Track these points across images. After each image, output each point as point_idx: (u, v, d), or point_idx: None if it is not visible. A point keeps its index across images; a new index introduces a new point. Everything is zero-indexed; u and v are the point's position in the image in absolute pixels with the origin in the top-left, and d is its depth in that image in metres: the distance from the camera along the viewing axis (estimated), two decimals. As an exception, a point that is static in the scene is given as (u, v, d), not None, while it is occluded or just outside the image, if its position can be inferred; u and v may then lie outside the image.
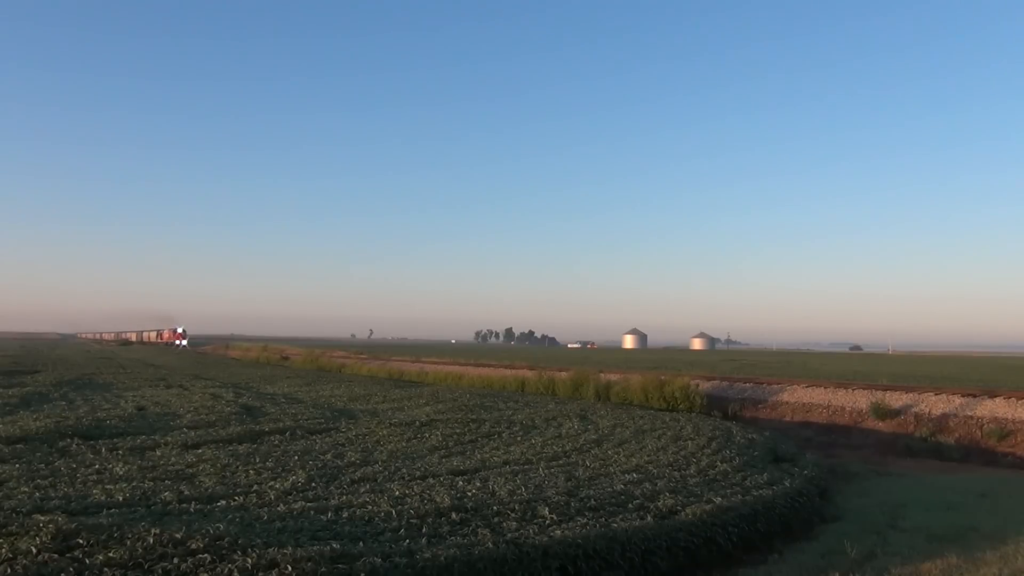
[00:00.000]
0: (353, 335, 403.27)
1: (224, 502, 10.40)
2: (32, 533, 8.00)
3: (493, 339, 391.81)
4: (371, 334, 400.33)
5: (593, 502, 10.87)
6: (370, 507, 10.18)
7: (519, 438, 18.54)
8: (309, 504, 10.30)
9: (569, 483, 12.36)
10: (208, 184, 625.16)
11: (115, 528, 8.20)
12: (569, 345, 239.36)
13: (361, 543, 8.18)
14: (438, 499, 10.59)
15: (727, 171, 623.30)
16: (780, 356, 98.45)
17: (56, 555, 7.37)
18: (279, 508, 10.01)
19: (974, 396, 25.58)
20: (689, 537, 9.92)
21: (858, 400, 27.43)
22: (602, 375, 37.07)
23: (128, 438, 16.95)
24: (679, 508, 10.78)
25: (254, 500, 10.63)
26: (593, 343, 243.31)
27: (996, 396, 25.24)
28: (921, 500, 14.06)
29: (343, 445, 16.73)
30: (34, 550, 7.46)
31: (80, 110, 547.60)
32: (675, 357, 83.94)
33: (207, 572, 7.13)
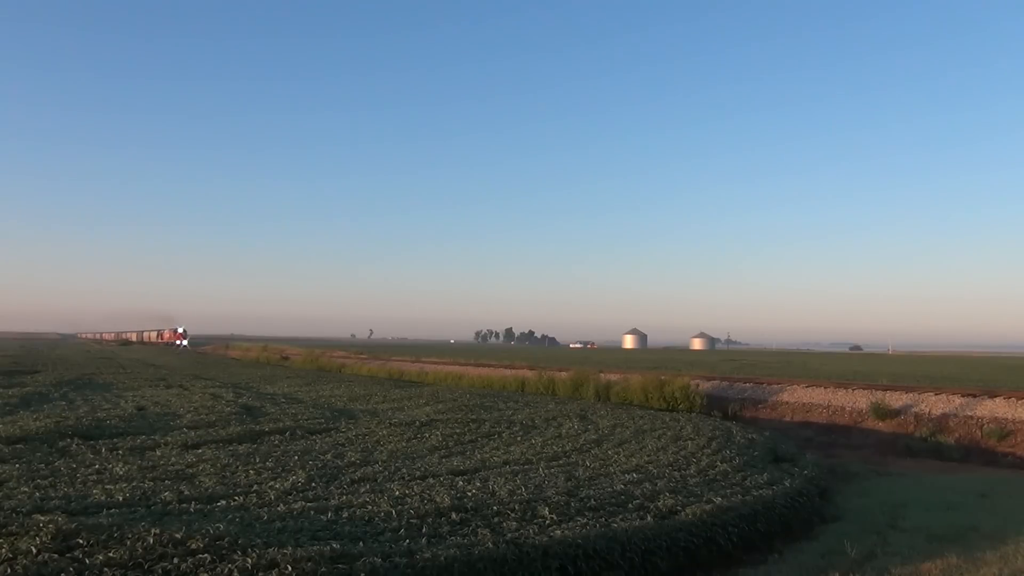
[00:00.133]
0: (353, 335, 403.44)
1: (224, 502, 10.40)
2: (32, 533, 8.00)
3: (493, 339, 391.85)
4: (371, 334, 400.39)
5: (593, 502, 10.87)
6: (370, 507, 10.18)
7: (519, 438, 18.54)
8: (309, 504, 10.30)
9: (569, 483, 12.36)
10: (208, 184, 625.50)
11: (115, 528, 8.20)
12: (571, 345, 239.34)
13: (361, 543, 8.19)
14: (438, 499, 10.59)
15: (727, 171, 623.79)
16: (780, 356, 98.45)
17: (56, 555, 7.37)
18: (279, 508, 10.01)
19: (974, 396, 25.58)
20: (689, 537, 9.92)
21: (858, 400, 27.43)
22: (602, 375, 37.07)
23: (128, 438, 16.95)
24: (679, 508, 10.78)
25: (254, 500, 10.63)
26: (593, 343, 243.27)
27: (996, 396, 25.24)
28: (921, 500, 14.06)
29: (343, 445, 16.73)
30: (34, 550, 7.46)
31: (80, 110, 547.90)
32: (675, 357, 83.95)
33: (207, 572, 7.13)
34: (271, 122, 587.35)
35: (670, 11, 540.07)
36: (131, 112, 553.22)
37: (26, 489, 10.96)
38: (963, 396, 25.72)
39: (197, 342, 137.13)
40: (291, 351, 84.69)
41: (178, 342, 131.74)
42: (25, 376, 40.24)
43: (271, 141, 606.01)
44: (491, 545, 8.40)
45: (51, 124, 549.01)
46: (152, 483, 11.79)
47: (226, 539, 7.91)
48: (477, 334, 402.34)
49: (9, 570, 6.98)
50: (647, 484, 12.51)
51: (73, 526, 8.17)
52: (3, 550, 7.52)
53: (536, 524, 9.55)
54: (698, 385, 32.61)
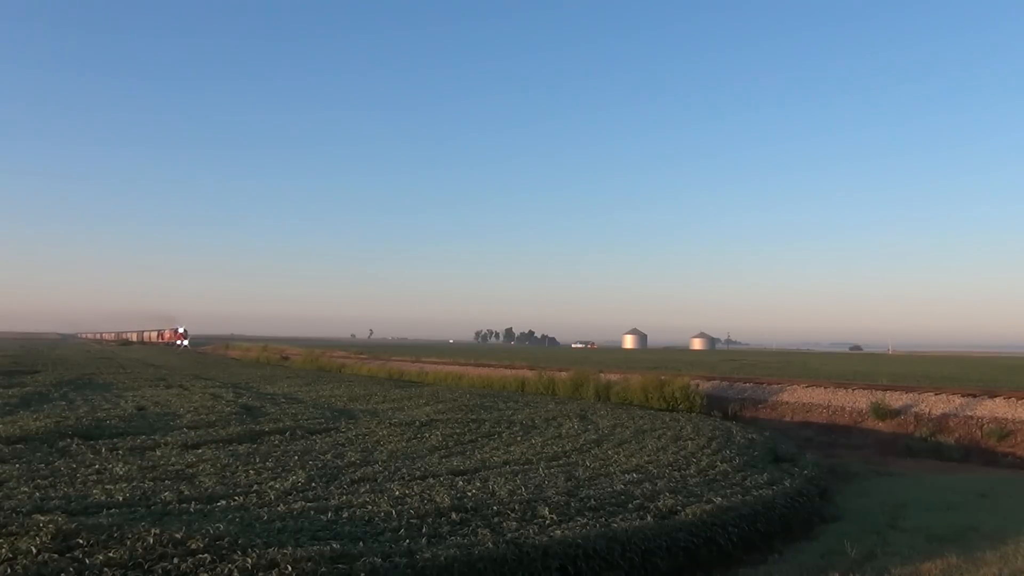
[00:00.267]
0: (353, 335, 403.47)
1: (224, 502, 10.40)
2: (32, 533, 8.00)
3: (493, 339, 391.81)
4: (371, 334, 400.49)
5: (593, 502, 10.86)
6: (370, 507, 10.18)
7: (519, 438, 18.54)
8: (309, 504, 10.30)
9: (569, 483, 12.36)
10: (208, 184, 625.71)
11: (115, 528, 8.20)
12: (573, 345, 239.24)
13: (361, 543, 8.18)
14: (438, 499, 10.59)
15: (727, 171, 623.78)
16: (780, 356, 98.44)
17: (56, 555, 7.37)
18: (279, 508, 10.01)
19: (974, 396, 25.58)
20: (689, 537, 9.92)
21: (858, 400, 27.43)
22: (602, 375, 37.07)
23: (128, 438, 16.95)
24: (679, 508, 10.78)
25: (254, 500, 10.63)
26: (593, 343, 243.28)
27: (996, 396, 25.24)
28: (921, 500, 14.06)
29: (343, 445, 16.72)
30: (34, 550, 7.46)
31: (80, 110, 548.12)
32: (675, 357, 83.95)
33: (207, 572, 7.13)
34: (271, 122, 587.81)
35: (669, 11, 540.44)
36: (131, 112, 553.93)
37: (26, 489, 10.96)
38: (963, 396, 25.72)
39: (197, 342, 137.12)
40: (291, 351, 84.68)
41: (179, 342, 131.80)
42: (25, 376, 40.25)
43: (271, 141, 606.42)
44: (491, 545, 8.40)
45: (51, 124, 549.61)
46: (152, 483, 11.79)
47: (226, 539, 7.91)
48: (477, 334, 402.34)
49: (9, 570, 6.98)
50: (647, 484, 12.51)
51: (73, 526, 8.17)
52: (3, 550, 7.52)
53: (536, 524, 9.55)
54: (698, 385, 32.61)
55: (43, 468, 12.98)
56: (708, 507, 10.87)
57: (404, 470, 13.48)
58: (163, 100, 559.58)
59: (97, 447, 15.62)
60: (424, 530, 9.01)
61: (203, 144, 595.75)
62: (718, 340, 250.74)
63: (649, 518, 10.14)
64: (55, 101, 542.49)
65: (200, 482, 12.04)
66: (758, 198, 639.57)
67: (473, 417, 22.42)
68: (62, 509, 9.40)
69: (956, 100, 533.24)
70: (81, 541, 7.79)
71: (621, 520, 9.94)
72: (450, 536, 8.84)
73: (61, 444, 15.86)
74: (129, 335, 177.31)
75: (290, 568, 7.17)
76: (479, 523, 9.45)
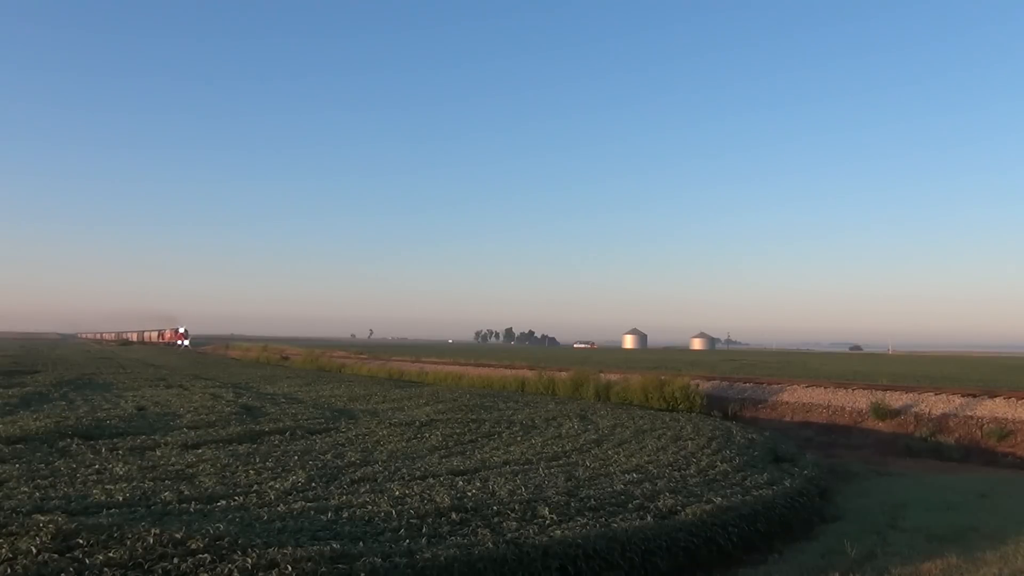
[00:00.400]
0: (353, 335, 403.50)
1: (224, 502, 10.40)
2: (32, 533, 8.00)
3: (493, 339, 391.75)
4: (371, 334, 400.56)
5: (593, 502, 10.86)
6: (370, 507, 10.17)
7: (519, 438, 18.53)
8: (309, 504, 10.29)
9: (569, 483, 12.35)
10: (208, 184, 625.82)
11: (115, 528, 8.20)
12: (575, 345, 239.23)
13: (361, 543, 8.18)
14: (438, 499, 10.58)
15: (727, 171, 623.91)
16: (780, 356, 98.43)
17: (56, 555, 7.37)
18: (279, 508, 10.00)
19: (974, 396, 25.57)
20: (689, 537, 9.92)
21: (858, 400, 27.43)
22: (602, 375, 37.06)
23: (128, 438, 16.95)
24: (679, 508, 10.78)
25: (254, 500, 10.62)
26: (593, 343, 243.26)
27: (996, 396, 25.23)
28: (921, 500, 14.05)
29: (343, 445, 16.72)
30: (34, 550, 7.46)
31: (80, 110, 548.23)
32: (675, 357, 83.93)
33: (207, 572, 7.13)
34: (271, 122, 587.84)
35: (670, 11, 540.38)
36: (131, 112, 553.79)
37: (26, 489, 10.96)
38: (963, 396, 25.72)
39: (197, 342, 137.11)
40: (291, 351, 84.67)
41: (179, 342, 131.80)
42: (25, 376, 40.23)
43: (271, 141, 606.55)
44: (491, 545, 8.39)
45: (51, 124, 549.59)
46: (152, 483, 11.78)
47: (226, 539, 7.91)
48: (477, 334, 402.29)
49: (9, 570, 6.97)
50: (647, 484, 12.51)
51: (73, 526, 8.17)
52: (3, 550, 7.52)
53: (536, 524, 9.55)
54: (698, 385, 32.60)
55: (43, 468, 12.98)
56: (708, 507, 10.87)
57: (404, 470, 13.48)
58: (163, 100, 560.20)
59: (97, 447, 15.61)
60: (424, 530, 9.00)
61: (203, 144, 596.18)
62: (718, 340, 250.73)
63: (649, 518, 10.14)
64: (55, 101, 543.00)
65: (200, 482, 12.04)
66: (758, 198, 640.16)
67: (473, 417, 22.42)
68: (62, 509, 9.39)
69: (956, 100, 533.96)
70: (81, 541, 7.79)
71: (621, 520, 9.94)
72: (450, 536, 8.83)
73: (61, 444, 15.86)
74: (129, 335, 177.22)
75: (290, 568, 7.16)
76: (479, 523, 9.44)
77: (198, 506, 10.05)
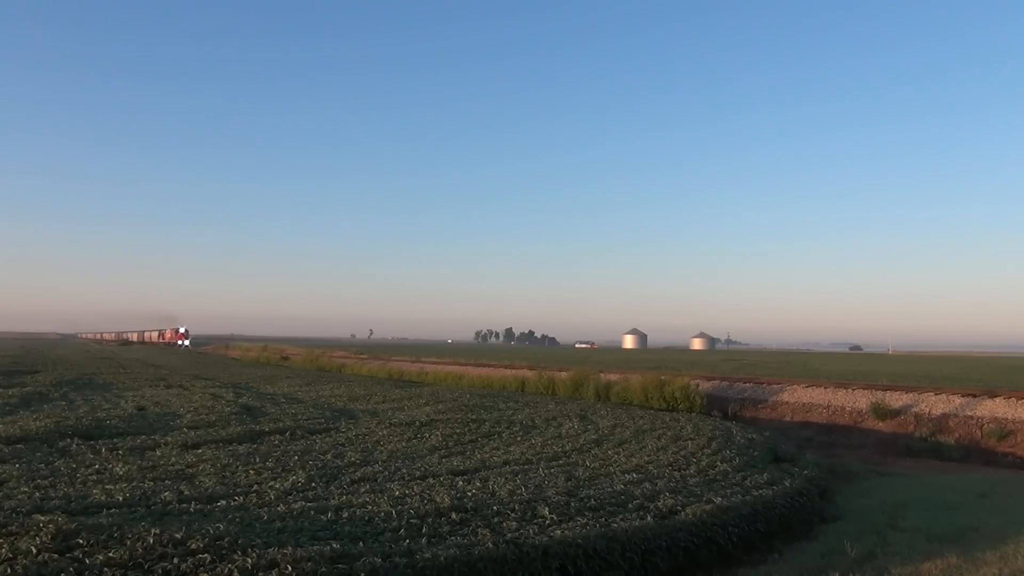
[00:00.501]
0: (353, 335, 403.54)
1: (224, 502, 10.40)
2: (32, 533, 8.00)
3: (493, 339, 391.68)
4: (371, 334, 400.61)
5: (593, 502, 10.86)
6: (370, 507, 10.17)
7: (519, 438, 18.53)
8: (309, 504, 10.29)
9: (569, 483, 12.35)
10: (208, 184, 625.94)
11: (115, 528, 8.20)
12: (577, 345, 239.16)
13: (361, 543, 8.18)
14: (438, 499, 10.58)
15: (727, 171, 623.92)
16: (780, 356, 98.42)
17: (56, 555, 7.37)
18: (279, 508, 10.00)
19: (974, 396, 25.57)
20: (689, 537, 9.91)
21: (858, 400, 27.42)
22: (602, 375, 37.05)
23: (128, 438, 16.95)
24: (679, 508, 10.78)
25: (254, 500, 10.62)
26: (593, 343, 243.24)
27: (996, 396, 25.23)
28: (921, 500, 14.05)
29: (343, 445, 16.72)
30: (34, 550, 7.46)
31: (80, 110, 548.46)
32: (675, 357, 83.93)
33: (207, 572, 7.13)
34: (271, 122, 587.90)
35: (670, 11, 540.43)
36: (131, 112, 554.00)
37: (26, 489, 10.96)
38: (963, 396, 25.71)
39: (197, 342, 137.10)
40: (291, 351, 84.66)
41: (180, 342, 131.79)
42: (25, 376, 40.23)
43: (271, 141, 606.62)
44: (491, 545, 8.39)
45: (51, 124, 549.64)
46: (152, 483, 11.78)
47: (226, 539, 7.91)
48: (477, 334, 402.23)
49: (9, 570, 6.97)
50: (647, 484, 12.50)
51: (73, 526, 8.17)
52: (3, 550, 7.52)
53: (536, 524, 9.55)
54: (698, 385, 32.60)
55: (43, 468, 12.98)
56: (708, 507, 10.86)
57: (404, 470, 13.48)
58: (163, 100, 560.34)
59: (97, 447, 15.61)
60: (424, 530, 9.00)
61: (203, 144, 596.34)
62: (718, 340, 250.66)
63: (649, 518, 10.14)
64: (55, 101, 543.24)
65: (200, 482, 12.03)
66: (758, 198, 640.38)
67: (473, 417, 22.41)
68: (62, 509, 9.39)
69: (956, 100, 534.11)
70: (81, 541, 7.79)
71: (621, 520, 9.94)
72: (450, 536, 8.83)
73: (61, 444, 15.86)
74: (129, 335, 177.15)
75: (290, 568, 7.16)
76: (479, 523, 9.44)
77: (198, 506, 10.05)
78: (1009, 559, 9.25)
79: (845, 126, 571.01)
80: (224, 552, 7.56)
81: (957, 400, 25.31)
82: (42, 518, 8.53)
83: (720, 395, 31.99)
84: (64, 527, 8.10)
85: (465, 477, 12.88)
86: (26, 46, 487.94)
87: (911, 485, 16.16)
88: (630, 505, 10.84)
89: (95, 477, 12.28)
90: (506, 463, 14.66)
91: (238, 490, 11.35)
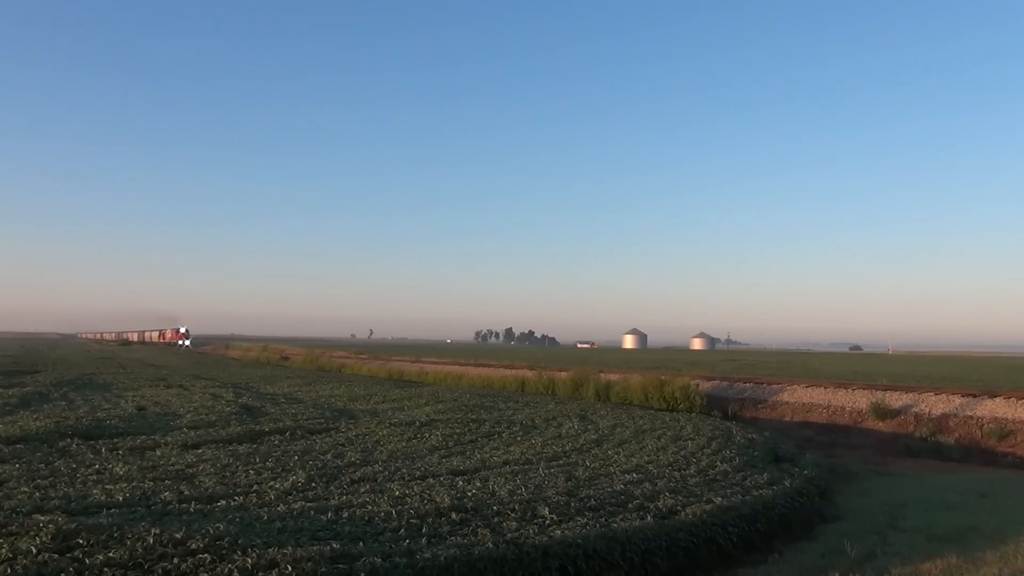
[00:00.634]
0: (353, 335, 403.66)
1: (224, 502, 10.40)
2: (32, 533, 8.00)
3: (493, 339, 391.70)
4: (371, 334, 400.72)
5: (593, 502, 10.86)
6: (370, 507, 10.17)
7: (519, 438, 18.53)
8: (309, 504, 10.29)
9: (569, 483, 12.35)
10: (208, 184, 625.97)
11: (115, 528, 8.20)
12: (579, 345, 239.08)
13: (361, 543, 8.18)
14: (438, 499, 10.58)
15: (727, 171, 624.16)
16: (780, 356, 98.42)
17: (56, 555, 7.37)
18: (279, 508, 10.00)
19: (974, 396, 25.57)
20: (689, 537, 9.91)
21: (858, 400, 27.42)
22: (602, 375, 37.06)
23: (128, 438, 16.95)
24: (679, 508, 10.78)
25: (254, 500, 10.62)
26: (593, 343, 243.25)
27: (996, 396, 25.23)
28: (921, 500, 14.05)
29: (343, 445, 16.72)
30: (34, 550, 7.46)
31: (80, 109, 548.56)
32: (675, 357, 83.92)
33: (207, 572, 7.13)
34: (271, 122, 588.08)
35: (670, 11, 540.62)
36: (131, 112, 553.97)
37: (26, 489, 10.96)
38: (963, 396, 25.71)
39: (197, 342, 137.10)
40: (291, 351, 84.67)
41: (180, 342, 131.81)
42: (25, 376, 40.23)
43: (271, 141, 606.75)
44: (491, 545, 8.39)
45: (51, 123, 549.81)
46: (152, 483, 11.78)
47: (226, 539, 7.91)
48: (477, 334, 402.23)
49: (9, 570, 6.97)
50: (647, 484, 12.50)
51: (73, 526, 8.17)
52: (3, 550, 7.52)
53: (536, 524, 9.55)
54: (698, 385, 32.60)
55: (43, 468, 12.98)
56: (708, 507, 10.86)
57: (404, 470, 13.48)
58: (163, 100, 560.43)
59: (97, 447, 15.61)
60: (424, 530, 9.00)
61: (203, 144, 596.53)
62: (718, 340, 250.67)
63: (649, 518, 10.14)
64: (55, 100, 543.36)
65: (200, 482, 12.03)
66: (758, 198, 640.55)
67: (473, 417, 22.41)
68: (62, 509, 9.39)
69: (956, 100, 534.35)
70: (81, 541, 7.79)
71: (621, 520, 9.94)
72: (450, 536, 8.83)
73: (61, 444, 15.86)
74: (130, 335, 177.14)
75: (290, 568, 7.16)
76: (479, 523, 9.44)
77: (198, 506, 10.05)
78: (1009, 559, 9.25)
79: (845, 126, 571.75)
80: (224, 552, 7.56)
81: (957, 400, 25.31)
82: (42, 518, 8.53)
83: (720, 395, 31.99)
84: (64, 527, 8.10)
85: (465, 477, 12.88)
86: (26, 46, 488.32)
87: (911, 485, 16.16)
88: (630, 505, 10.84)
89: (95, 477, 12.29)
90: (506, 463, 14.66)
91: (238, 490, 11.35)
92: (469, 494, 11.15)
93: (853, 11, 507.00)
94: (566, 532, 9.15)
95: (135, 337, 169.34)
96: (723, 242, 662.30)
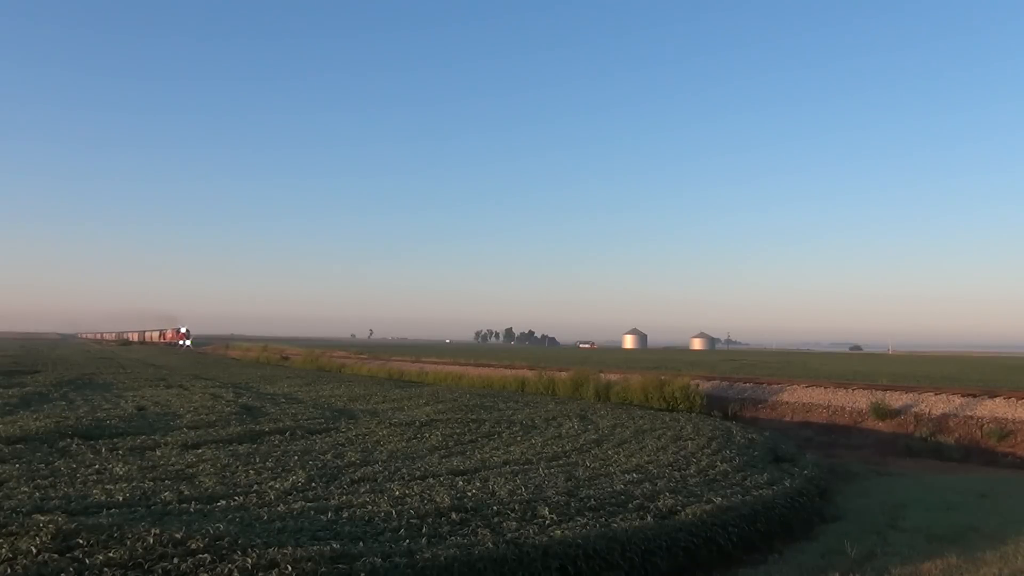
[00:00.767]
0: (353, 335, 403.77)
1: (224, 502, 10.40)
2: (32, 533, 8.00)
3: (493, 339, 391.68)
4: (371, 334, 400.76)
5: (593, 502, 10.86)
6: (370, 507, 10.17)
7: (519, 438, 18.53)
8: (309, 504, 10.29)
9: (569, 483, 12.35)
10: (208, 184, 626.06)
11: (115, 528, 8.20)
12: (580, 345, 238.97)
13: (361, 543, 8.18)
14: (438, 499, 10.58)
15: (727, 171, 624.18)
16: (780, 356, 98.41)
17: (56, 555, 7.37)
18: (279, 508, 10.00)
19: (974, 396, 25.57)
20: (689, 537, 9.91)
21: (858, 400, 27.42)
22: (602, 375, 37.05)
23: (128, 438, 16.95)
24: (679, 508, 10.78)
25: (254, 500, 10.62)
26: (593, 343, 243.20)
27: (996, 396, 25.23)
28: (921, 500, 14.05)
29: (343, 445, 16.72)
30: (34, 550, 7.46)
31: (81, 110, 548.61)
32: (675, 357, 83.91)
33: (207, 572, 7.13)
34: (271, 122, 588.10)
35: (670, 11, 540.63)
36: (131, 112, 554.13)
37: (26, 489, 10.96)
38: (963, 396, 25.71)
39: (198, 342, 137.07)
40: (291, 351, 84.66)
41: (181, 342, 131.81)
42: (25, 376, 40.24)
43: (271, 141, 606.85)
44: (491, 545, 8.39)
45: (51, 124, 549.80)
46: (152, 483, 11.78)
47: (226, 539, 7.91)
48: (477, 334, 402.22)
49: (9, 570, 6.97)
50: (647, 484, 12.50)
51: (73, 526, 8.17)
52: (3, 550, 7.52)
53: (536, 524, 9.54)
54: (698, 385, 32.59)
55: (43, 468, 12.98)
56: (708, 507, 10.86)
57: (404, 470, 13.48)
58: (163, 100, 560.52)
59: (97, 447, 15.61)
60: (424, 530, 9.00)
61: (203, 144, 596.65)
62: (718, 340, 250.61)
63: (649, 518, 10.14)
64: (55, 101, 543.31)
65: (200, 482, 12.03)
66: (758, 198, 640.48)
67: (473, 417, 22.41)
68: (62, 509, 9.39)
69: (956, 100, 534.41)
70: (81, 541, 7.79)
71: (621, 520, 9.94)
72: (450, 536, 8.83)
73: (61, 444, 15.86)
74: (130, 335, 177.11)
75: (290, 568, 7.16)
76: (479, 523, 9.44)
77: (198, 506, 10.05)
78: (1009, 559, 9.25)
79: (845, 126, 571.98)
80: (224, 552, 7.56)
81: (957, 400, 25.31)
82: (42, 518, 8.53)
83: (720, 395, 31.99)
84: (64, 527, 8.10)
85: (465, 477, 12.88)
86: (26, 46, 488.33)
87: (911, 485, 16.15)
88: (630, 505, 10.84)
89: (95, 477, 12.29)
90: (506, 463, 14.66)
91: (238, 490, 11.35)
92: (469, 494, 11.14)
93: (853, 11, 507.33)
94: (566, 532, 9.15)
95: (135, 337, 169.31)
96: (723, 242, 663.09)
